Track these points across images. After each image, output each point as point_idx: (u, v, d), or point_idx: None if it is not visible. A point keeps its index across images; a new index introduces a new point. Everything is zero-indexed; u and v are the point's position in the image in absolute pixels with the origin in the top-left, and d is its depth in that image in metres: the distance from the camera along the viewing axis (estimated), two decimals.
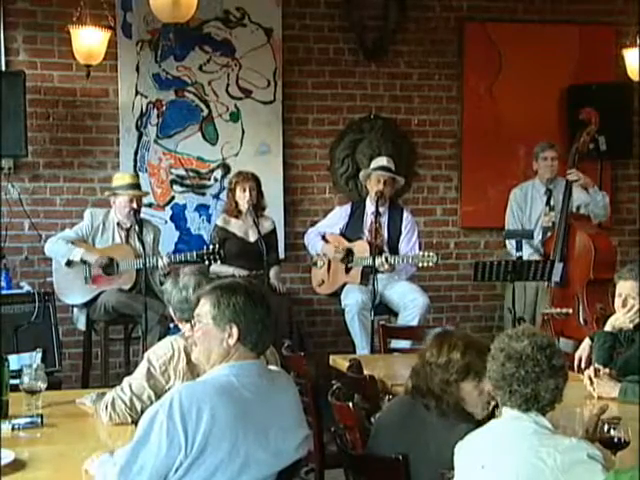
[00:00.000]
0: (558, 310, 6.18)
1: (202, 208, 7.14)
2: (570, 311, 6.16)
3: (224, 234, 6.40)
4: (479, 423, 2.87)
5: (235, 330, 2.76)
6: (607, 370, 3.91)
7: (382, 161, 6.54)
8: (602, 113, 6.64)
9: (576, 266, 6.33)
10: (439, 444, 2.88)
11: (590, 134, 6.51)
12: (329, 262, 6.54)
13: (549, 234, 6.59)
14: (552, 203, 6.71)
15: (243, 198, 6.37)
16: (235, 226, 6.44)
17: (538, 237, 6.61)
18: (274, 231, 6.59)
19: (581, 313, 6.18)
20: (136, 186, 6.24)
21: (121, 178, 6.23)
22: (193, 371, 3.41)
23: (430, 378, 3.04)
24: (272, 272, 6.39)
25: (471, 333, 3.34)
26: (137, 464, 2.59)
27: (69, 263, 6.07)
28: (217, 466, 2.64)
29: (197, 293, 3.05)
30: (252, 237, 6.39)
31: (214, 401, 2.66)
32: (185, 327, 3.49)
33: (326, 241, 6.57)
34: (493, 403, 2.96)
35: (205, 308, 2.81)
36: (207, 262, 6.08)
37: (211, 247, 6.05)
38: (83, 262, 6.05)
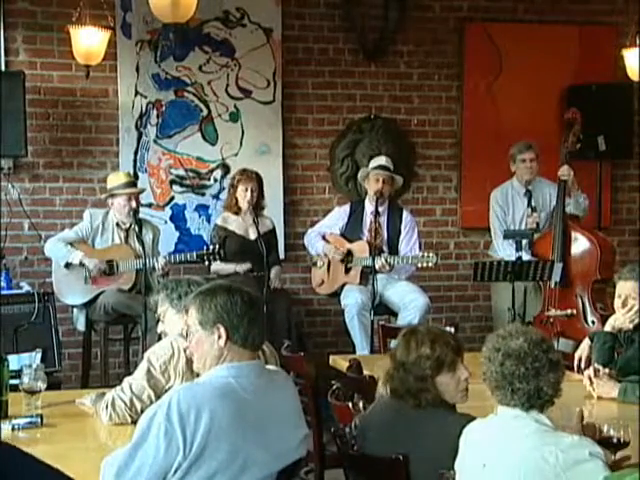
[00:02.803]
0: (561, 312, 6.16)
1: (202, 208, 7.14)
2: (574, 312, 6.15)
3: (224, 233, 6.40)
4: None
5: (222, 330, 2.79)
6: (607, 370, 3.92)
7: (380, 160, 6.54)
8: (602, 113, 6.63)
9: (579, 266, 6.28)
10: (436, 438, 2.88)
11: (576, 134, 6.51)
12: (329, 262, 6.54)
13: (535, 235, 6.54)
14: (533, 204, 6.68)
15: (244, 197, 6.36)
16: (235, 224, 6.44)
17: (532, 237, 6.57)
18: (273, 230, 6.59)
19: (589, 314, 6.15)
20: (132, 184, 6.24)
21: (116, 178, 6.21)
22: (193, 371, 3.40)
23: (405, 379, 3.02)
24: (273, 272, 6.38)
25: (437, 326, 3.32)
26: (134, 465, 2.60)
27: (67, 265, 6.08)
28: (217, 468, 2.64)
29: (184, 304, 3.09)
30: (252, 235, 6.38)
31: (213, 403, 2.67)
32: None
33: (326, 241, 6.58)
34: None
35: (192, 317, 2.85)
36: (207, 262, 6.08)
37: (211, 247, 6.05)
38: (82, 265, 6.05)
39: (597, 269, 6.22)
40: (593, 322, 6.09)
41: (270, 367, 3.10)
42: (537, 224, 6.56)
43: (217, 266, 6.24)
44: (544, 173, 6.72)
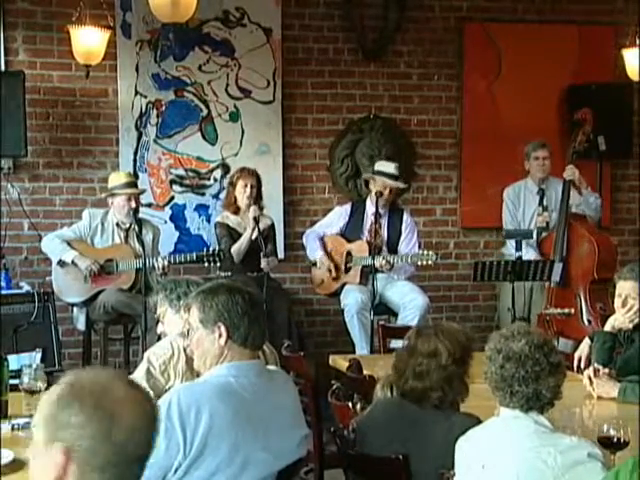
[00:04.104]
0: (559, 310, 6.18)
1: (201, 208, 7.14)
2: (572, 311, 6.16)
3: (225, 229, 6.40)
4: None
5: (223, 329, 2.81)
6: (606, 370, 3.91)
7: (390, 168, 6.45)
8: (602, 113, 6.64)
9: (578, 266, 6.31)
10: (442, 438, 2.87)
11: (585, 133, 6.53)
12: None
13: (544, 234, 6.58)
14: (545, 203, 6.70)
15: (243, 194, 6.35)
16: (235, 222, 6.43)
17: (533, 237, 6.60)
18: (272, 226, 6.57)
19: (585, 313, 6.17)
20: (133, 184, 6.24)
21: (117, 178, 6.22)
22: (193, 370, 3.40)
23: (451, 379, 2.96)
24: (265, 261, 6.32)
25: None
26: None
27: (61, 263, 6.06)
28: (217, 467, 2.65)
29: (185, 302, 3.12)
30: (252, 235, 6.36)
31: (213, 402, 2.67)
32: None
33: (324, 244, 6.57)
34: None
35: (194, 315, 2.88)
36: (207, 263, 6.07)
37: (211, 249, 6.06)
38: (74, 264, 6.04)
39: (594, 269, 6.24)
40: (589, 321, 6.11)
41: (270, 367, 3.11)
42: (547, 223, 6.58)
43: (235, 247, 6.24)
44: None
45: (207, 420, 2.64)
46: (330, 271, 6.46)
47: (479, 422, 2.84)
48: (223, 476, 2.66)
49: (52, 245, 6.13)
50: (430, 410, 2.99)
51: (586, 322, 6.13)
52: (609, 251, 6.41)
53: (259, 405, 2.77)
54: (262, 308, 2.96)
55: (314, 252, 6.57)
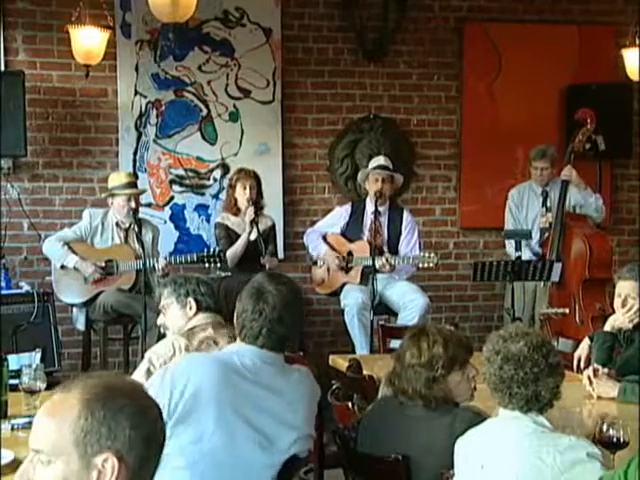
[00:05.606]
0: (555, 310, 6.19)
1: (201, 208, 7.14)
2: (567, 311, 6.17)
3: (224, 230, 6.39)
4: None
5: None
6: (606, 370, 3.91)
7: (379, 160, 6.55)
8: (602, 113, 6.64)
9: (572, 266, 6.34)
10: (441, 433, 2.88)
11: (585, 134, 6.52)
12: None
13: (547, 235, 6.59)
14: (549, 204, 6.71)
15: (243, 195, 6.36)
16: (235, 224, 6.43)
17: (536, 238, 6.61)
18: (273, 227, 6.57)
19: (577, 313, 6.19)
20: (133, 185, 6.23)
21: (117, 178, 6.21)
22: None
23: (416, 379, 2.99)
24: (266, 258, 6.34)
25: (443, 325, 3.31)
26: None
27: (63, 267, 6.07)
28: (203, 431, 2.76)
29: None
30: (252, 235, 6.37)
31: (207, 367, 2.83)
32: None
33: (327, 242, 6.57)
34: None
35: None
36: (207, 265, 6.07)
37: (212, 249, 6.05)
38: (77, 270, 6.05)
39: (586, 269, 6.25)
40: (582, 321, 6.12)
41: (295, 366, 3.17)
42: (550, 224, 6.59)
43: (231, 250, 6.25)
44: None
45: (196, 382, 2.78)
46: (338, 259, 6.43)
47: (479, 414, 2.85)
48: (209, 443, 2.77)
49: (53, 250, 6.13)
50: (428, 408, 2.99)
51: (578, 322, 6.14)
52: (603, 251, 6.40)
53: (257, 386, 2.88)
54: (262, 306, 2.97)
55: (318, 248, 6.56)
